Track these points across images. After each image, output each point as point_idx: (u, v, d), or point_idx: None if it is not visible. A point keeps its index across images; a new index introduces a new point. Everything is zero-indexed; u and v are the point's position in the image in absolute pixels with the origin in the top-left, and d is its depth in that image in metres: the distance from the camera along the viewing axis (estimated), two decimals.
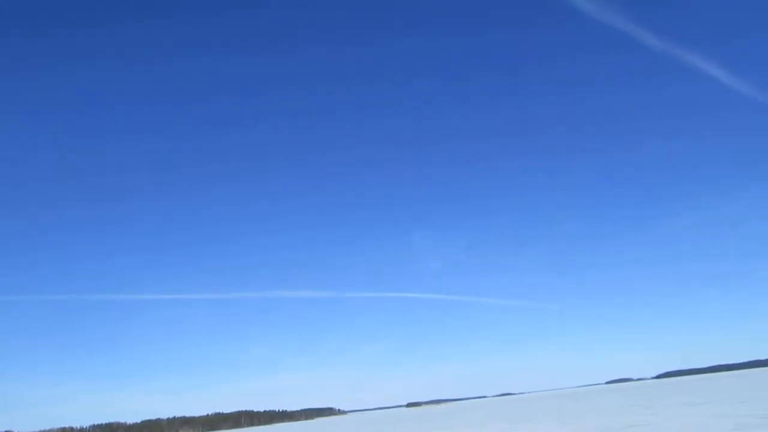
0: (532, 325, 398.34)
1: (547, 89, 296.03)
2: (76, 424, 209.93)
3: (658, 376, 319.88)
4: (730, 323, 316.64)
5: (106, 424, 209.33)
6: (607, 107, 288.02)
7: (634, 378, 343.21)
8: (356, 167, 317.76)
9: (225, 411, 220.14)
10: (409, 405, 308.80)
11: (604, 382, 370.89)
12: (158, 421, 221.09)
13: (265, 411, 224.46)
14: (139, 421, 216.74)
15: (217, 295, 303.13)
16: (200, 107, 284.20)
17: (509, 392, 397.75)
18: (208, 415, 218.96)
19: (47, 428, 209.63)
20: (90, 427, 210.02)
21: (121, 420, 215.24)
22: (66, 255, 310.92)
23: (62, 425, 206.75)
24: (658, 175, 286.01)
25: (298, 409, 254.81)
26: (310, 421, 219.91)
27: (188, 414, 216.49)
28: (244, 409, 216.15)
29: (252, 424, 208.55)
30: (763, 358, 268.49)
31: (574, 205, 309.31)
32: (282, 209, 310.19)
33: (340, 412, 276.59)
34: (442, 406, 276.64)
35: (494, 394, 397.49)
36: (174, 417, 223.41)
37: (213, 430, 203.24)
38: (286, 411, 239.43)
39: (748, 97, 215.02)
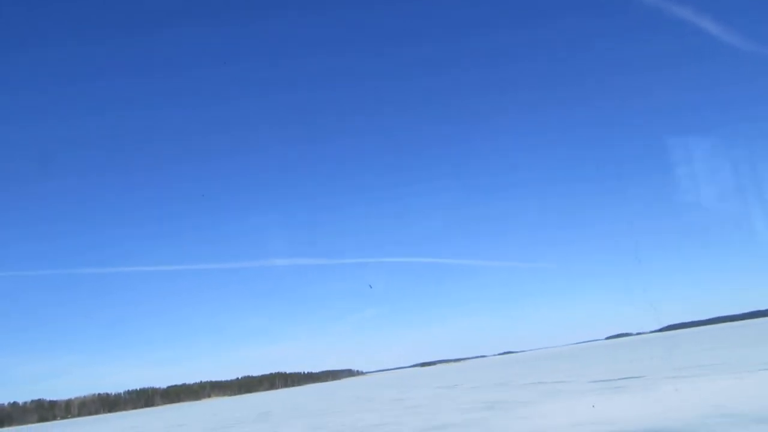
0: (531, 284, 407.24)
1: (537, 47, 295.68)
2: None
3: (660, 330, 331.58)
4: (730, 274, 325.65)
5: (141, 389, 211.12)
6: (599, 63, 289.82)
7: (634, 333, 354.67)
8: (347, 131, 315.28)
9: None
10: (423, 365, 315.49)
11: (604, 337, 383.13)
12: (185, 386, 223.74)
13: (293, 373, 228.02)
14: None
15: (211, 266, 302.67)
16: (185, 78, 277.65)
17: (510, 351, 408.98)
18: (238, 378, 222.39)
19: (83, 395, 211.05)
20: (125, 392, 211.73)
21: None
22: (58, 229, 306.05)
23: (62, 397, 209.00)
24: (654, 127, 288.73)
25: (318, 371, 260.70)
26: (339, 381, 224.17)
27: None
28: (275, 371, 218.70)
29: (286, 386, 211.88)
30: (763, 308, 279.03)
31: (568, 160, 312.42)
32: (276, 177, 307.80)
33: (359, 373, 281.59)
34: (453, 365, 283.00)
35: (495, 353, 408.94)
36: (201, 381, 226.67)
37: (248, 392, 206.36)
38: (312, 373, 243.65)
39: (738, 48, 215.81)
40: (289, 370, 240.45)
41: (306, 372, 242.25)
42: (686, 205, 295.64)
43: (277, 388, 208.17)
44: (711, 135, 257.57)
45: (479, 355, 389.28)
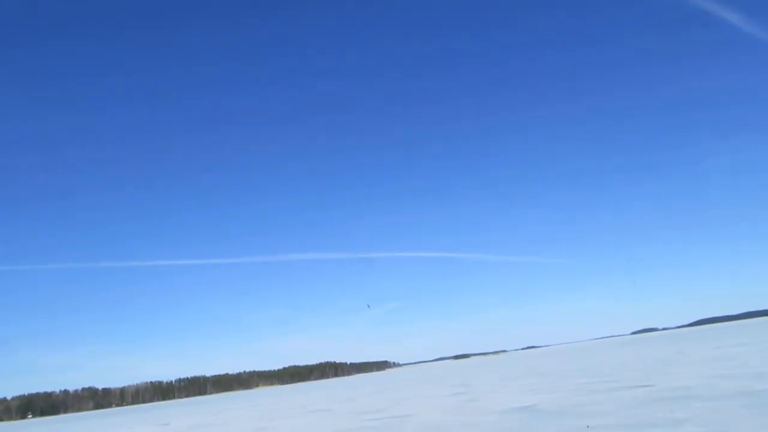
0: (553, 280, 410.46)
1: (554, 42, 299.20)
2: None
3: (689, 325, 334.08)
4: (758, 269, 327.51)
5: (192, 377, 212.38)
6: (616, 56, 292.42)
7: (660, 328, 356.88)
8: (365, 128, 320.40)
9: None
10: (456, 357, 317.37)
11: (629, 332, 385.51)
12: (233, 375, 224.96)
13: (341, 363, 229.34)
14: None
15: (229, 260, 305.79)
16: (198, 72, 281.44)
17: (534, 345, 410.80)
18: (286, 368, 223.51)
19: (135, 383, 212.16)
20: (176, 380, 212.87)
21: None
22: (83, 222, 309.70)
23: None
24: (678, 120, 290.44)
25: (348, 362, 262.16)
26: (383, 372, 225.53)
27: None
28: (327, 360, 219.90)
29: (336, 375, 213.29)
30: None
31: (593, 155, 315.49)
32: (298, 173, 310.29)
33: (395, 365, 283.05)
34: (492, 357, 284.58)
35: (517, 348, 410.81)
36: (244, 371, 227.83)
37: (299, 381, 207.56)
38: (354, 363, 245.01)
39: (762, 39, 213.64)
40: (303, 363, 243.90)
41: (348, 362, 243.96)
42: (712, 201, 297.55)
43: (328, 377, 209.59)
44: (734, 130, 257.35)
45: (501, 349, 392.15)
